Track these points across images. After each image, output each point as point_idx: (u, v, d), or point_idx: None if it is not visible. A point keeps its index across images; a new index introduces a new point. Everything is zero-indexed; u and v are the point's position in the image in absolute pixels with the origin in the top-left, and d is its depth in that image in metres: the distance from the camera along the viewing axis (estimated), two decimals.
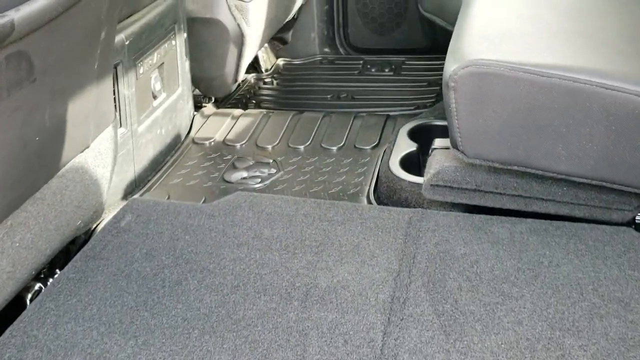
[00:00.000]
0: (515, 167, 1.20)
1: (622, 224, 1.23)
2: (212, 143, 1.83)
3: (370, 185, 1.54)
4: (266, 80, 2.48)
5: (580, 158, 1.14)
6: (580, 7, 1.33)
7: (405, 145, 1.58)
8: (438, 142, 1.37)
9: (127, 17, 1.48)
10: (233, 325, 1.01)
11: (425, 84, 2.33)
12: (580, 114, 1.11)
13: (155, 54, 1.63)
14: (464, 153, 1.21)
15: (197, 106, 2.05)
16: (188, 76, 1.86)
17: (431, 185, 1.30)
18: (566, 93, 1.09)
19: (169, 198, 1.56)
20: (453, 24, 1.95)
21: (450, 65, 1.15)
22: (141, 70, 1.57)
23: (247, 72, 2.47)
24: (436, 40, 2.47)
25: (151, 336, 1.00)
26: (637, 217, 1.28)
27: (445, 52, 2.36)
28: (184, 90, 1.83)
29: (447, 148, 1.32)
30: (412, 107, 2.16)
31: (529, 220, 1.22)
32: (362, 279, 1.10)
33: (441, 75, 2.31)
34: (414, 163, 1.56)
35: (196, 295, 1.08)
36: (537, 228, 1.19)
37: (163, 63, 1.68)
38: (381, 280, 1.09)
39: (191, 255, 1.19)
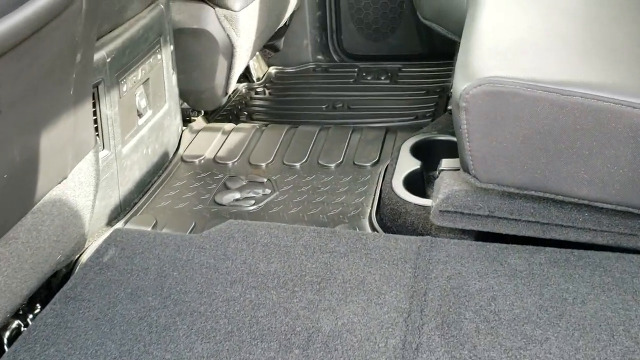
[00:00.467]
0: (533, 192, 1.10)
1: None
2: (202, 161, 1.72)
3: (372, 207, 1.44)
4: (258, 89, 2.38)
5: (605, 182, 1.05)
6: (595, 15, 1.24)
7: (408, 163, 1.48)
8: (446, 163, 1.27)
9: (107, 33, 1.38)
10: None
11: (423, 92, 2.23)
12: (604, 135, 1.01)
13: (140, 69, 1.53)
14: (476, 177, 1.12)
15: (186, 120, 1.95)
16: (175, 90, 1.76)
17: (440, 211, 1.20)
18: (589, 113, 1.00)
19: (156, 223, 1.45)
20: (454, 33, 1.86)
21: (461, 84, 1.06)
22: (125, 88, 1.46)
23: (238, 81, 2.37)
24: (433, 46, 2.39)
25: None
26: None
27: (442, 58, 2.33)
28: (171, 105, 1.72)
29: (457, 169, 1.23)
30: (411, 117, 2.07)
31: (548, 249, 1.13)
32: (369, 321, 1.00)
33: (439, 82, 2.29)
34: (417, 182, 1.46)
35: (186, 342, 0.98)
36: (557, 258, 1.10)
37: (148, 79, 1.58)
38: (390, 322, 1.00)
39: (180, 295, 1.08)
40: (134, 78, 1.50)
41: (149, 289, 1.10)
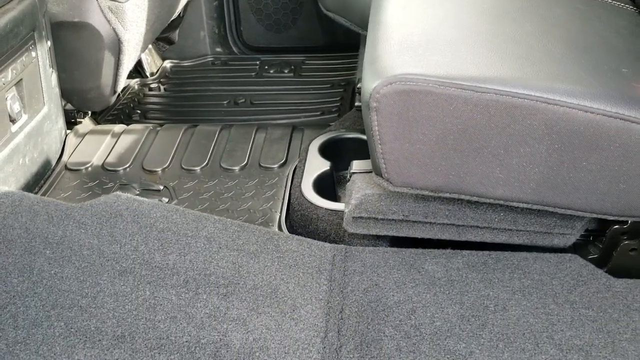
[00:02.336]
0: (448, 195, 1.05)
1: (564, 249, 1.12)
2: (90, 169, 1.55)
3: (281, 213, 1.35)
4: (152, 85, 2.21)
5: (520, 181, 1.01)
6: (504, 8, 1.20)
7: (317, 164, 1.40)
8: (357, 165, 1.20)
9: None
10: None
11: (328, 85, 2.16)
12: (520, 133, 0.97)
13: (10, 69, 1.34)
14: (389, 181, 1.05)
15: (72, 122, 1.75)
16: (56, 91, 1.57)
17: (353, 217, 1.13)
18: (504, 110, 0.95)
19: None
20: (357, 24, 1.79)
21: (370, 82, 0.98)
22: None
23: (130, 77, 2.19)
24: (336, 38, 2.31)
25: None
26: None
27: (346, 50, 2.26)
28: (51, 108, 1.53)
29: (368, 171, 1.15)
30: (317, 113, 1.99)
31: (465, 252, 1.08)
32: (283, 339, 0.90)
33: (344, 75, 2.22)
34: (328, 184, 1.38)
35: (63, 346, 0.81)
36: (475, 262, 1.05)
37: (21, 79, 1.39)
38: (307, 342, 0.90)
39: (55, 281, 0.90)
40: (3, 79, 1.31)
41: (14, 268, 0.90)
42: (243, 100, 2.09)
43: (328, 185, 1.38)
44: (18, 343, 0.80)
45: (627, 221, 1.07)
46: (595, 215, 1.04)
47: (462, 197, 1.05)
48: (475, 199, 1.05)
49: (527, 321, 0.94)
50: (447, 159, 1.00)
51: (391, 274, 1.03)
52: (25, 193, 1.15)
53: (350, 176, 1.19)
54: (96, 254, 0.96)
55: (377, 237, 1.17)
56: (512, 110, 0.95)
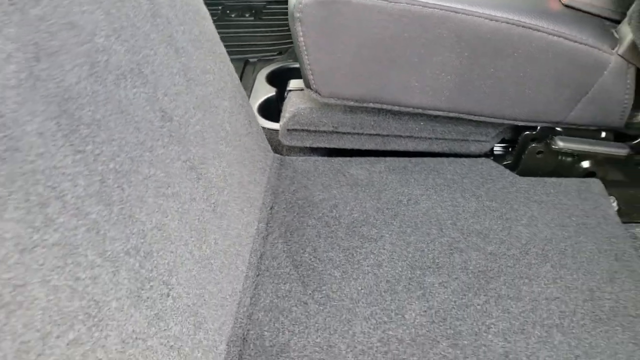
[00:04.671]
0: (371, 104, 1.13)
1: (480, 156, 1.21)
2: None
3: None
4: None
5: (435, 89, 1.09)
6: None
7: (263, 91, 1.47)
8: (293, 84, 1.28)
9: None
10: None
11: (287, 28, 2.22)
12: (431, 42, 1.05)
13: None
14: (317, 92, 1.13)
15: None
16: None
17: (288, 130, 1.21)
18: (416, 19, 1.03)
19: None
20: None
21: None
22: None
23: None
24: None
25: None
26: (495, 148, 1.27)
27: None
28: None
29: (303, 89, 1.23)
30: (274, 53, 2.06)
31: (388, 159, 1.17)
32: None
33: None
34: (273, 109, 1.46)
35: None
36: (396, 166, 1.14)
37: None
38: (244, 237, 1.00)
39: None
40: None
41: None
42: None
43: (273, 110, 1.46)
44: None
45: (536, 127, 1.16)
46: (505, 121, 1.13)
47: (384, 106, 1.13)
48: (396, 108, 1.13)
49: (435, 212, 1.03)
50: (367, 68, 1.08)
51: (319, 178, 1.12)
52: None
53: (287, 93, 1.27)
54: None
55: (312, 151, 1.25)
56: (423, 20, 1.03)
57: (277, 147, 1.29)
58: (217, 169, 0.88)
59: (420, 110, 1.13)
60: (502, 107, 1.11)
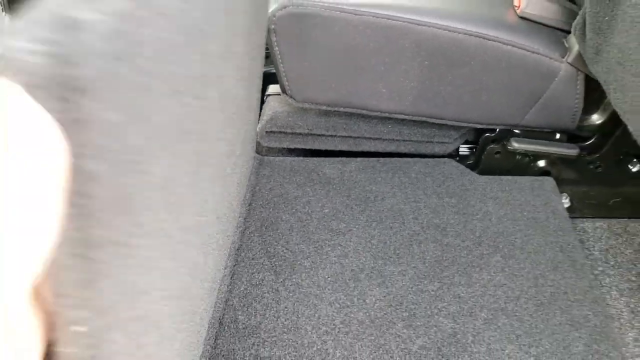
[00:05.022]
0: (342, 109, 1.22)
1: (444, 156, 1.30)
2: None
3: None
4: None
5: (400, 95, 1.19)
6: None
7: None
8: (272, 89, 1.37)
9: None
10: None
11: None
12: (395, 52, 1.14)
13: None
14: (293, 97, 1.22)
15: None
16: None
17: (266, 132, 1.30)
18: (380, 31, 1.12)
19: None
20: None
21: (270, 6, 1.14)
22: None
23: None
24: None
25: None
26: (460, 149, 1.37)
27: None
28: None
29: (280, 94, 1.32)
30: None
31: (359, 159, 1.26)
32: None
33: None
34: None
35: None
36: (365, 166, 1.24)
37: None
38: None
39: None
40: None
41: None
42: None
43: None
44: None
45: (495, 129, 1.26)
46: (465, 124, 1.23)
47: (355, 110, 1.22)
48: (366, 112, 1.22)
49: (399, 207, 1.13)
50: (337, 76, 1.18)
51: (294, 177, 1.22)
52: None
53: (266, 98, 1.36)
54: None
55: (289, 151, 1.35)
56: (387, 31, 1.12)
57: (256, 148, 1.38)
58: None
59: (387, 114, 1.22)
60: (462, 111, 1.20)
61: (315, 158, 1.27)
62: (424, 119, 1.22)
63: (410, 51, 1.14)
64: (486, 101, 1.18)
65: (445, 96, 1.18)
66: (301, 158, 1.28)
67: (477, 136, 1.31)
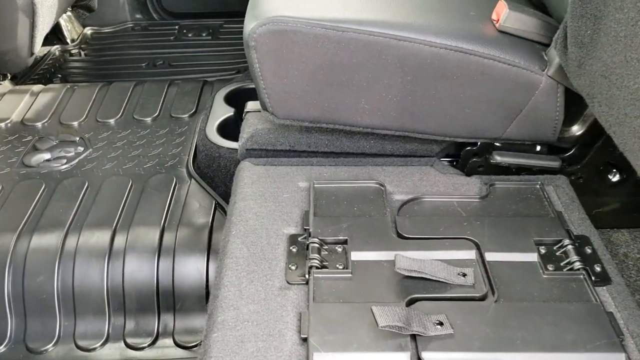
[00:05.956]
0: (325, 125, 1.20)
1: None
2: (9, 124, 1.64)
3: (189, 156, 1.48)
4: (73, 51, 2.28)
5: (382, 111, 1.18)
6: None
7: (221, 111, 1.53)
8: (251, 105, 1.34)
9: None
10: None
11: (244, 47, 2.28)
12: (377, 67, 1.13)
13: None
14: (274, 114, 1.20)
15: None
16: None
17: (247, 149, 1.27)
18: (362, 47, 1.11)
19: None
20: None
21: (249, 24, 1.12)
22: None
23: (50, 43, 2.26)
24: None
25: None
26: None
27: None
28: None
29: (260, 110, 1.30)
30: (232, 72, 2.12)
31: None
32: None
33: None
34: (232, 128, 1.52)
35: None
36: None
37: None
38: None
39: None
40: None
41: None
42: (161, 62, 2.20)
43: (232, 129, 1.52)
44: None
45: (476, 143, 1.26)
46: (448, 139, 1.22)
47: (337, 127, 1.21)
48: (348, 128, 1.21)
49: None
50: (320, 92, 1.16)
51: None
52: None
53: (245, 115, 1.33)
54: None
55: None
56: (369, 47, 1.11)
57: (237, 166, 1.35)
58: None
59: (370, 130, 1.21)
60: (444, 125, 1.20)
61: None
62: (406, 133, 1.21)
63: (392, 66, 1.13)
64: (469, 115, 1.18)
65: (427, 110, 1.18)
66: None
67: (457, 149, 1.31)
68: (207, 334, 0.89)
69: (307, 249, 1.00)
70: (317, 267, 0.96)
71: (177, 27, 2.41)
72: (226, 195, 1.34)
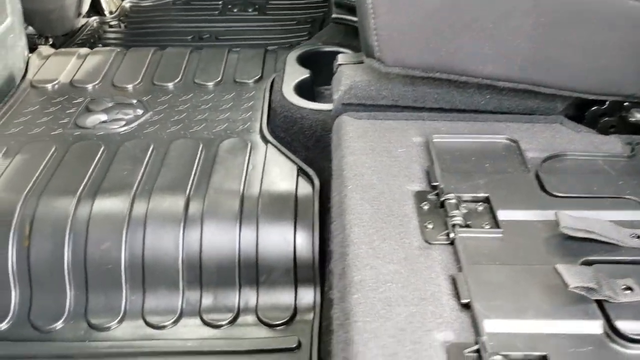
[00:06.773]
0: (438, 74, 1.06)
1: None
2: (57, 86, 1.49)
3: (262, 120, 1.33)
4: (112, 23, 2.14)
5: (508, 57, 1.03)
6: None
7: (297, 73, 1.39)
8: (343, 58, 1.20)
9: None
10: None
11: (294, 22, 2.14)
12: (508, 7, 0.99)
13: None
14: (381, 61, 1.05)
15: (32, 48, 1.68)
16: (18, 6, 1.50)
17: (342, 104, 1.13)
18: None
19: (7, 151, 1.23)
20: None
21: None
22: None
23: (89, 15, 2.12)
24: None
25: None
26: None
27: None
28: (14, 22, 1.47)
29: (355, 63, 1.16)
30: (286, 46, 1.98)
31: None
32: None
33: (310, 13, 2.21)
34: (308, 91, 1.37)
35: None
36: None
37: None
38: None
39: None
40: None
41: None
42: (208, 35, 2.06)
43: (308, 93, 1.37)
44: None
45: (604, 102, 1.11)
46: (576, 94, 1.08)
47: (452, 77, 1.06)
48: (464, 79, 1.06)
49: None
50: (439, 34, 1.02)
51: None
52: None
53: (337, 68, 1.18)
54: None
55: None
56: None
57: (324, 127, 1.20)
58: None
59: (488, 81, 1.06)
60: (576, 78, 1.05)
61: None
62: (530, 87, 1.07)
63: (525, 6, 0.99)
64: (604, 66, 1.04)
65: (558, 59, 1.03)
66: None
67: (578, 110, 1.16)
68: (342, 295, 0.74)
69: (442, 206, 0.85)
70: (460, 226, 0.81)
71: (221, 2, 2.28)
72: (307, 161, 1.20)
